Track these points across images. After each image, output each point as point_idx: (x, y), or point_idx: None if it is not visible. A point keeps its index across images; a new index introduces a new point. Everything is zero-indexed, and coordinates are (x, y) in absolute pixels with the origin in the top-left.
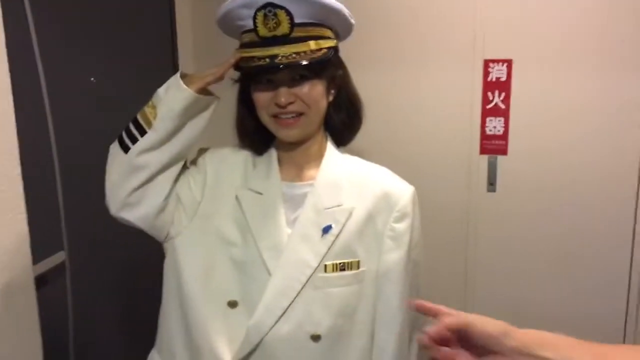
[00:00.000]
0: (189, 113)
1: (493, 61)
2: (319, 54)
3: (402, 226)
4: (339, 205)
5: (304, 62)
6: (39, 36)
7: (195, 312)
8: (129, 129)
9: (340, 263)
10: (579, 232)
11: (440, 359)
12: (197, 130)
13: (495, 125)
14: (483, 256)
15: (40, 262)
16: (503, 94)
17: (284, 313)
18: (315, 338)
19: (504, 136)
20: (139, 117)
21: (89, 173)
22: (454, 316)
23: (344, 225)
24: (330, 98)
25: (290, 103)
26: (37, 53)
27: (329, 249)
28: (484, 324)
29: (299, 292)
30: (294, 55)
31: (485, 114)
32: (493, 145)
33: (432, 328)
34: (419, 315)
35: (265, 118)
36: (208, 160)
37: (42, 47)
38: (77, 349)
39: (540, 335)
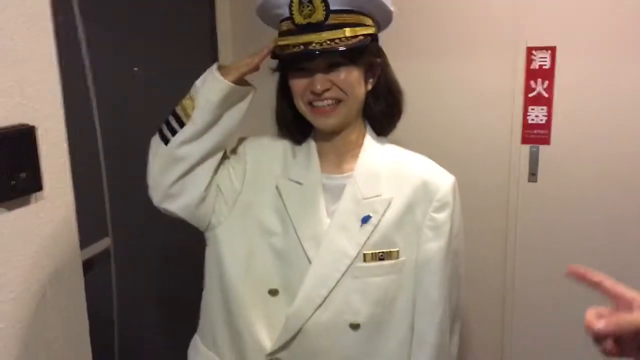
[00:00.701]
0: (226, 104)
1: (536, 48)
2: (354, 40)
3: (442, 216)
4: (377, 196)
5: (341, 49)
6: (86, 27)
7: (237, 299)
8: (168, 121)
9: (379, 252)
10: (623, 224)
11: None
12: (235, 121)
13: (537, 114)
14: (523, 246)
15: (87, 247)
16: (546, 82)
17: (323, 302)
18: (355, 327)
19: (547, 125)
20: (177, 109)
21: (133, 161)
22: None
23: (382, 215)
24: (369, 87)
25: (327, 90)
26: (84, 44)
27: (367, 238)
28: None
29: (338, 281)
30: (328, 42)
31: (528, 102)
32: (535, 135)
33: (602, 325)
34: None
35: (302, 106)
36: (248, 150)
37: (88, 37)
38: (121, 333)
39: None
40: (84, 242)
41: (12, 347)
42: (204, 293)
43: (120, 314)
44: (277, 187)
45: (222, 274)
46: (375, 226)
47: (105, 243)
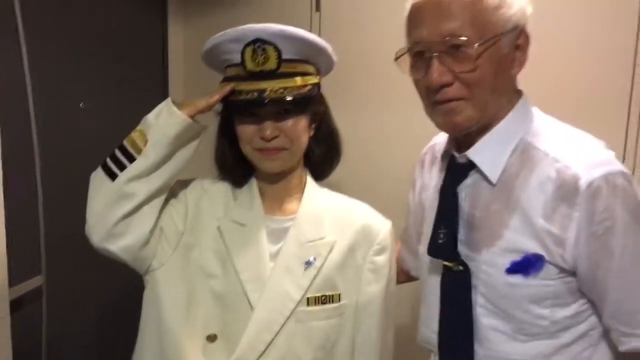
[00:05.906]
0: (181, 140)
1: None
2: (305, 90)
3: (382, 259)
4: (321, 239)
5: (288, 98)
6: (31, 60)
7: (174, 345)
8: (115, 155)
9: (322, 296)
10: None
11: None
12: (185, 159)
13: None
14: None
15: (17, 285)
16: None
17: (266, 348)
18: None
19: None
20: (126, 143)
21: (72, 198)
22: None
23: (325, 259)
24: (312, 132)
25: (275, 137)
26: (28, 77)
27: (311, 282)
28: None
29: (282, 326)
30: (281, 91)
31: None
32: None
33: None
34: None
35: (249, 151)
36: (189, 192)
37: (32, 71)
38: None
39: None
40: (14, 279)
41: None
42: (137, 339)
43: (49, 358)
44: (218, 229)
45: (159, 318)
46: (319, 269)
47: (37, 281)
